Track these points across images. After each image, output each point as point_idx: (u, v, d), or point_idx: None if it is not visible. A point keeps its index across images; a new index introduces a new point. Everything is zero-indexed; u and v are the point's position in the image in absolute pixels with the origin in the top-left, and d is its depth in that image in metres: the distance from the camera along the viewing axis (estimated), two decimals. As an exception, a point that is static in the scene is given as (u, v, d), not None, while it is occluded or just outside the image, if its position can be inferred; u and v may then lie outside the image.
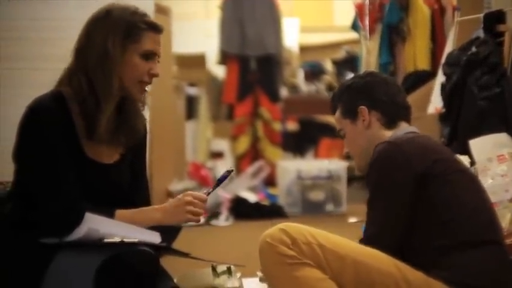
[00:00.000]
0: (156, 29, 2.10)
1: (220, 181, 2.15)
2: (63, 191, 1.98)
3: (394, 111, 2.14)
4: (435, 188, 1.92)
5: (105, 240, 1.87)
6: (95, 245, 1.87)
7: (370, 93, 2.14)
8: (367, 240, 1.96)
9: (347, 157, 2.31)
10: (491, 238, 1.93)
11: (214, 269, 2.43)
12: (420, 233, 1.92)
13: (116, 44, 2.03)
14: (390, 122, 2.12)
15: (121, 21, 2.05)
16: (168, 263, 2.16)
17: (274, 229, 1.92)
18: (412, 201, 1.92)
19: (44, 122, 1.98)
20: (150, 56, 2.08)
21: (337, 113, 2.20)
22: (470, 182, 2.03)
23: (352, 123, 2.16)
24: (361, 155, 2.16)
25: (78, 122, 2.04)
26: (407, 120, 2.15)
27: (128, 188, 2.15)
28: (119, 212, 2.04)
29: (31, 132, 1.99)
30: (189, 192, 2.11)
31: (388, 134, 2.11)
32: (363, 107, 2.13)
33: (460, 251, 1.88)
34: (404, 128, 2.12)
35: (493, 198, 2.76)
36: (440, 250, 1.89)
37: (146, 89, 2.13)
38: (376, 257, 1.89)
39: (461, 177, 2.00)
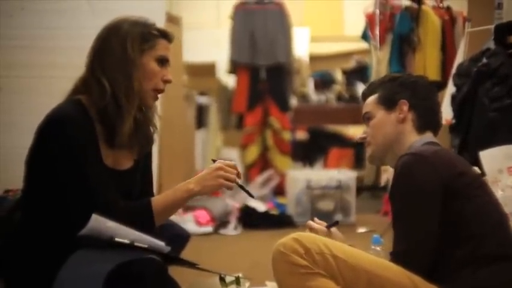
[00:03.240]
0: (168, 37, 2.16)
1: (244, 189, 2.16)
2: (100, 191, 2.00)
3: (430, 119, 2.14)
4: (460, 201, 1.90)
5: (116, 239, 1.88)
6: (106, 242, 1.88)
7: (416, 92, 2.14)
8: (398, 256, 1.91)
9: (358, 148, 2.27)
10: (508, 253, 1.92)
11: (222, 279, 2.43)
12: (440, 245, 1.89)
13: (135, 48, 2.08)
14: (421, 127, 2.12)
15: (136, 29, 2.11)
16: (176, 272, 2.16)
17: (288, 238, 1.91)
18: (440, 213, 1.89)
19: (70, 129, 2.00)
20: (163, 62, 2.13)
21: (372, 98, 2.19)
22: (490, 196, 2.02)
23: (387, 111, 2.15)
24: (381, 144, 2.14)
25: (99, 129, 2.06)
26: (435, 133, 2.15)
27: (137, 195, 2.16)
28: (154, 199, 2.08)
29: (58, 139, 1.99)
30: (219, 160, 2.14)
31: (414, 138, 2.10)
32: (405, 101, 2.12)
33: (478, 265, 1.86)
34: (428, 137, 2.11)
35: (503, 209, 2.76)
36: (459, 263, 1.87)
37: (158, 96, 2.16)
38: (389, 268, 1.87)
39: (483, 191, 1.99)
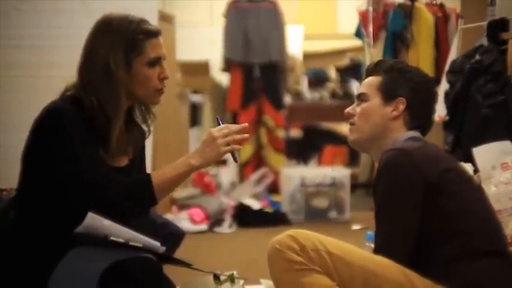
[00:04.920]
0: (154, 34, 2.10)
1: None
2: (97, 171, 2.00)
3: (422, 122, 2.13)
4: (445, 197, 1.91)
5: (111, 238, 1.88)
6: (101, 241, 1.88)
7: (419, 94, 2.10)
8: (378, 249, 1.94)
9: (347, 119, 2.16)
10: (498, 249, 1.93)
11: (217, 277, 2.43)
12: (429, 242, 1.90)
13: (119, 63, 2.04)
14: (412, 128, 2.10)
15: (120, 37, 2.06)
16: (170, 270, 2.16)
17: (283, 235, 1.91)
18: (422, 210, 1.90)
19: (65, 119, 2.00)
20: (156, 62, 2.10)
21: (374, 80, 2.14)
22: (477, 192, 2.03)
23: (383, 102, 2.11)
24: (367, 133, 2.11)
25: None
26: (423, 133, 2.14)
27: None
28: (153, 174, 2.06)
29: (53, 128, 2.00)
30: (210, 129, 2.11)
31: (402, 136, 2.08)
32: (403, 99, 2.09)
33: (468, 260, 1.87)
34: (413, 133, 2.09)
35: (496, 206, 2.77)
36: (450, 259, 1.88)
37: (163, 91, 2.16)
38: (385, 265, 1.88)
39: (469, 187, 1.99)
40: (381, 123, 2.09)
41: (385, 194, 1.95)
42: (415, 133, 2.10)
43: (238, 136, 2.09)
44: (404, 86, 2.10)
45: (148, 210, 2.18)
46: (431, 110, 2.15)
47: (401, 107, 2.09)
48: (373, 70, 2.16)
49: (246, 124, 2.12)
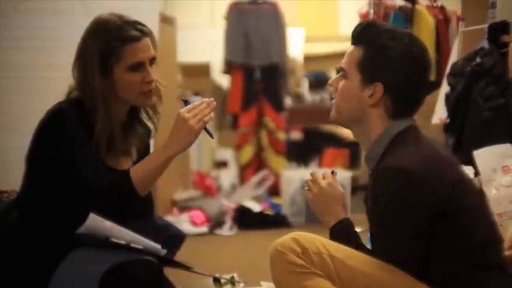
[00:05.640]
0: (134, 39, 2.08)
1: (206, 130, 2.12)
2: (95, 175, 2.00)
3: (407, 107, 1.95)
4: (454, 214, 1.83)
5: (112, 239, 1.88)
6: (102, 242, 1.88)
7: (400, 78, 1.90)
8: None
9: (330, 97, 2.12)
10: (501, 262, 1.90)
11: (217, 280, 2.43)
12: (437, 256, 1.85)
13: (94, 68, 2.05)
14: (395, 115, 1.94)
15: (99, 43, 2.05)
16: (171, 273, 2.16)
17: (286, 237, 1.89)
18: (431, 230, 1.83)
19: (66, 121, 2.02)
20: (137, 67, 2.08)
21: (356, 52, 1.95)
22: (481, 201, 1.97)
23: (360, 83, 1.94)
24: (344, 115, 1.99)
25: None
26: (412, 114, 1.98)
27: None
28: (132, 169, 2.07)
29: (54, 132, 2.01)
30: (179, 111, 2.09)
31: (385, 123, 1.93)
32: (381, 85, 1.91)
33: (473, 275, 1.84)
34: (405, 122, 1.94)
35: (497, 208, 2.77)
36: (456, 272, 1.84)
37: (153, 91, 2.14)
38: (387, 271, 1.85)
39: (473, 197, 1.92)
40: (358, 107, 1.94)
41: (388, 218, 1.86)
42: (405, 122, 1.95)
43: (207, 109, 2.08)
44: (383, 68, 1.90)
45: (147, 209, 2.18)
46: (418, 93, 1.95)
47: (378, 94, 1.91)
48: (357, 36, 1.97)
49: (212, 99, 2.11)
